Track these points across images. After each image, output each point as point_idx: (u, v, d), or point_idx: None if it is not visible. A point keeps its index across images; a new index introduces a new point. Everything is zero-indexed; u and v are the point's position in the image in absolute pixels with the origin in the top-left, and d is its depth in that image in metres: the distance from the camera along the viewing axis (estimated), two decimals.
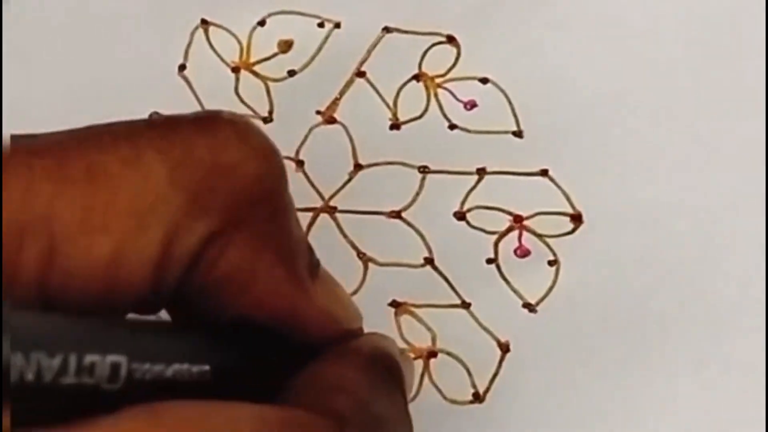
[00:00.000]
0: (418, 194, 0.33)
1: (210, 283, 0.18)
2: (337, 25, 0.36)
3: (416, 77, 0.35)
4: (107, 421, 0.15)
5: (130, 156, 0.17)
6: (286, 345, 0.20)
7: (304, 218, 0.33)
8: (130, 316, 0.19)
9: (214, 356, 0.18)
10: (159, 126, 0.18)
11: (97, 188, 0.17)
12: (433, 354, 0.31)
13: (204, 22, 0.35)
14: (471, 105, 0.34)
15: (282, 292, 0.19)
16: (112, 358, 0.16)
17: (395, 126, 0.34)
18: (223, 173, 0.18)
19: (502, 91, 0.35)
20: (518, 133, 0.34)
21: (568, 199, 0.33)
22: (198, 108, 0.34)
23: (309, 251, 0.21)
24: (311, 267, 0.20)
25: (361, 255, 0.32)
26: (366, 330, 0.31)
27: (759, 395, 0.31)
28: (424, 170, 0.33)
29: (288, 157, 0.34)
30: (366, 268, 0.32)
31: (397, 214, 0.33)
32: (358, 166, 0.34)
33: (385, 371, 0.21)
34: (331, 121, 0.34)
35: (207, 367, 0.18)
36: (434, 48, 0.35)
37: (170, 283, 0.18)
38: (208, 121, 0.18)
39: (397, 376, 0.21)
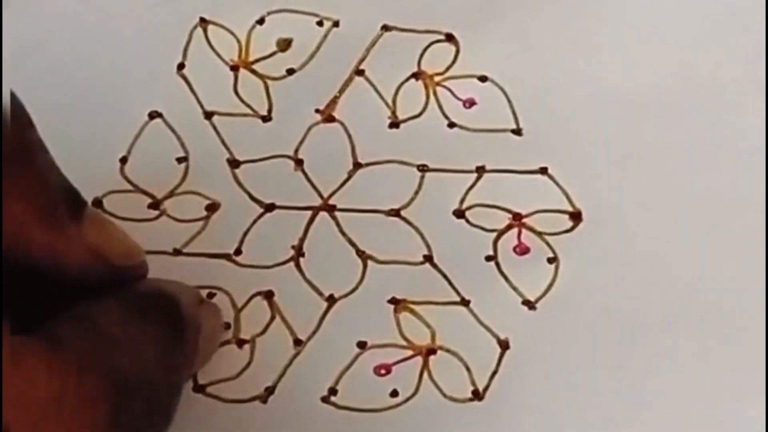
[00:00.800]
0: (417, 192, 0.33)
1: None
2: (336, 24, 0.36)
3: (415, 75, 0.35)
4: None
5: None
6: (57, 285, 0.20)
7: (303, 217, 0.33)
8: None
9: None
10: None
11: None
12: (432, 351, 0.31)
13: (203, 20, 0.36)
14: (470, 103, 0.34)
15: (36, 238, 0.19)
16: None
17: (394, 124, 0.34)
18: None
19: (501, 89, 0.35)
20: (517, 131, 0.34)
21: (567, 196, 0.33)
22: (198, 109, 0.34)
23: (70, 194, 0.21)
24: (74, 209, 0.20)
25: (360, 253, 0.32)
26: (366, 330, 0.31)
27: (759, 394, 0.31)
28: (423, 168, 0.33)
29: (287, 156, 0.34)
30: (365, 265, 0.32)
31: (396, 213, 0.33)
32: (357, 165, 0.34)
33: (159, 313, 0.21)
34: (330, 119, 0.34)
35: None
36: (433, 46, 0.35)
37: None
38: None
39: (177, 321, 0.21)
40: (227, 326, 0.31)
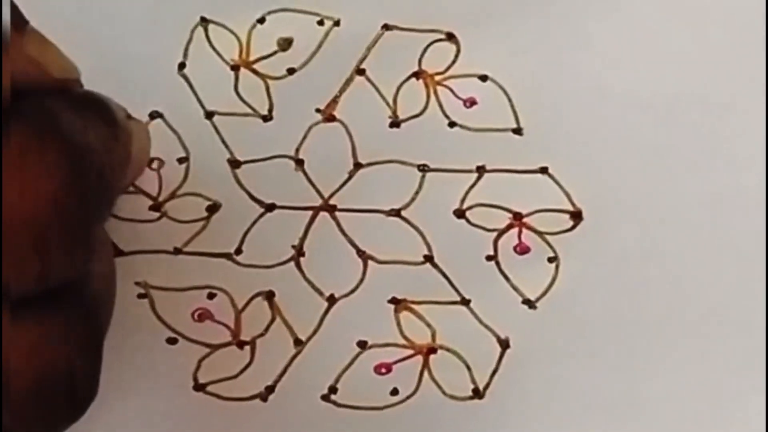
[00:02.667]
0: (417, 192, 0.33)
1: None
2: (337, 23, 0.36)
3: (416, 75, 0.35)
4: None
5: None
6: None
7: (303, 217, 0.33)
8: None
9: None
10: None
11: None
12: (432, 350, 0.31)
13: (203, 20, 0.36)
14: (471, 102, 0.35)
15: None
16: None
17: (395, 124, 0.34)
18: None
19: (502, 88, 0.35)
20: (518, 131, 0.34)
21: (567, 196, 0.33)
22: (199, 109, 0.34)
23: (14, 9, 0.21)
24: (17, 23, 0.21)
25: (360, 253, 0.32)
26: (367, 329, 0.32)
27: (759, 394, 0.31)
28: (423, 168, 0.33)
29: (287, 156, 0.34)
30: (365, 265, 0.32)
31: (396, 213, 0.33)
32: (357, 165, 0.34)
33: (96, 110, 0.22)
34: (331, 119, 0.34)
35: None
36: (434, 45, 0.35)
37: None
38: None
39: (111, 121, 0.22)
40: (227, 327, 0.32)
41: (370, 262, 0.32)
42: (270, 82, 0.35)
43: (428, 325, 0.32)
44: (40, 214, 0.18)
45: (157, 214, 0.33)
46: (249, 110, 0.34)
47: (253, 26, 0.35)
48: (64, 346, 0.19)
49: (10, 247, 0.18)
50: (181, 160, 0.34)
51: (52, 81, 0.22)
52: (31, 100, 0.20)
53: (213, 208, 0.33)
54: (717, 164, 0.34)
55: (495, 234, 0.33)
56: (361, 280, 0.32)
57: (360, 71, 0.35)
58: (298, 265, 0.32)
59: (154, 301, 0.32)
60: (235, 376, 0.31)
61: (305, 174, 0.34)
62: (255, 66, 0.35)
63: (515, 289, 0.32)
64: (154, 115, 0.34)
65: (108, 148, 0.21)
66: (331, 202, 0.33)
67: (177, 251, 0.33)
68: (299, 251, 0.33)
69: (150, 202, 0.33)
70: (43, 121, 0.19)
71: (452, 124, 0.34)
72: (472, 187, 0.33)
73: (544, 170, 0.33)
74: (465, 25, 0.35)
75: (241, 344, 0.31)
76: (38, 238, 0.18)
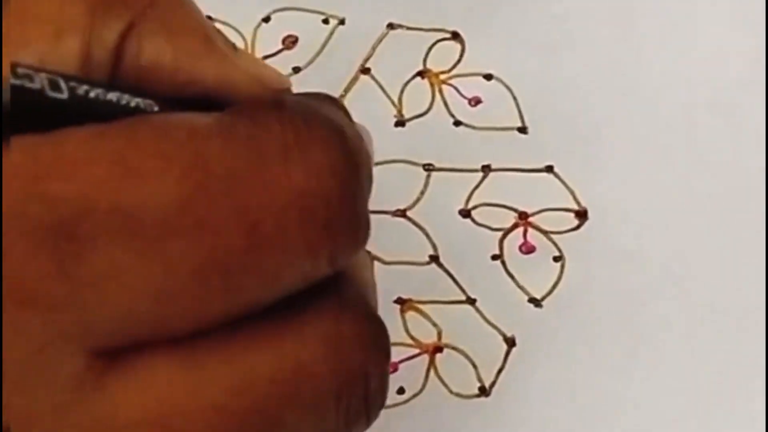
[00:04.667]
0: (423, 192, 0.33)
1: (138, 76, 0.20)
2: (342, 22, 0.36)
3: (421, 74, 0.35)
4: (83, 130, 0.16)
5: None
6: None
7: None
8: None
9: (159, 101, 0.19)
10: None
11: (8, 7, 0.18)
12: (438, 349, 0.32)
13: (209, 18, 0.35)
14: (476, 101, 0.35)
15: (207, 65, 0.20)
16: (46, 75, 0.16)
17: (400, 123, 0.34)
18: None
19: (507, 87, 0.35)
20: (523, 130, 0.34)
21: (573, 195, 0.33)
22: None
23: (221, 33, 0.22)
24: (228, 43, 0.21)
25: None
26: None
27: (759, 394, 0.31)
28: (429, 168, 0.34)
29: None
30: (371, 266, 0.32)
31: (402, 213, 0.33)
32: None
33: (327, 99, 0.21)
34: None
35: (151, 101, 0.18)
36: (439, 44, 0.35)
37: (101, 67, 0.19)
38: None
39: (341, 107, 0.22)
40: None
41: (375, 263, 0.32)
42: None
43: (434, 325, 0.32)
44: (326, 188, 0.17)
45: None
46: None
47: (258, 25, 0.36)
48: (360, 345, 0.18)
49: (303, 226, 0.17)
50: None
51: (273, 93, 0.22)
52: (283, 95, 0.20)
53: None
54: (721, 164, 0.34)
55: (500, 233, 0.33)
56: None
57: (365, 70, 0.35)
58: None
59: None
60: None
61: None
62: None
63: (521, 288, 0.32)
64: None
65: (355, 133, 0.19)
66: None
67: None
68: None
69: None
70: (304, 106, 0.18)
71: (457, 123, 0.34)
72: (477, 186, 0.33)
73: (549, 169, 0.34)
74: (470, 24, 0.35)
75: None
76: (328, 215, 0.17)
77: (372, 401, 0.19)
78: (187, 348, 0.17)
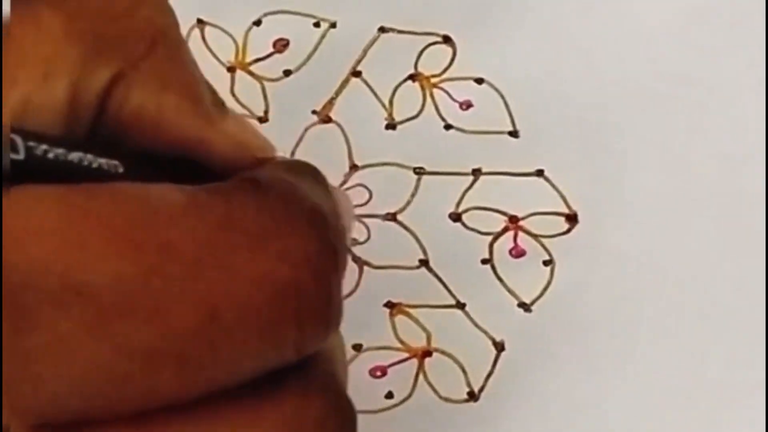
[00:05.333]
0: (413, 196, 0.33)
1: (120, 125, 0.19)
2: (333, 25, 0.36)
3: (412, 77, 0.35)
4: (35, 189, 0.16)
5: (26, 14, 0.18)
6: (205, 177, 0.20)
7: None
8: None
9: (127, 160, 0.19)
10: None
11: (6, 45, 0.18)
12: (428, 353, 0.31)
13: (200, 21, 0.35)
14: (466, 105, 0.35)
15: (190, 124, 0.20)
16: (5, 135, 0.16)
17: (391, 126, 0.34)
18: (115, 19, 0.19)
19: (498, 91, 0.35)
20: (514, 134, 0.34)
21: (563, 199, 0.33)
22: None
23: (212, 91, 0.21)
24: (217, 103, 0.21)
25: (356, 259, 0.32)
26: (362, 333, 0.32)
27: (759, 394, 0.31)
28: (419, 171, 0.34)
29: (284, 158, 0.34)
30: (361, 270, 0.32)
31: (392, 217, 0.33)
32: (354, 167, 0.34)
33: (307, 172, 0.21)
34: (327, 120, 0.34)
35: (116, 162, 0.18)
36: (430, 48, 0.35)
37: (81, 130, 0.19)
38: None
39: (322, 181, 0.21)
40: None
41: (365, 267, 0.32)
42: (266, 83, 0.35)
43: (423, 329, 0.32)
44: (298, 279, 0.17)
45: None
46: (245, 112, 0.34)
47: (250, 28, 0.35)
48: (323, 429, 0.18)
49: (269, 318, 0.17)
50: None
51: (254, 160, 0.21)
52: (261, 170, 0.19)
53: None
54: (714, 166, 0.34)
55: (491, 237, 0.33)
56: (357, 285, 0.32)
57: (356, 73, 0.35)
58: None
59: None
60: None
61: None
62: (251, 68, 0.35)
63: (511, 292, 0.32)
64: None
65: (334, 211, 0.19)
66: None
67: None
68: None
69: None
70: (285, 188, 0.18)
71: (448, 127, 0.34)
72: (467, 190, 0.33)
73: (539, 173, 0.34)
74: (461, 28, 0.35)
75: None
76: (298, 306, 0.17)
77: None
78: (136, 427, 0.16)
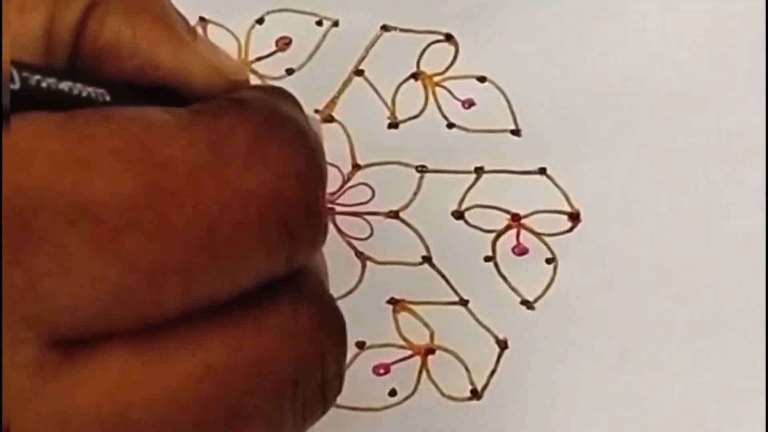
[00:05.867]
0: (416, 194, 0.33)
1: (97, 55, 0.20)
2: (335, 24, 0.36)
3: (414, 76, 0.35)
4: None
5: None
6: (184, 101, 0.20)
7: None
8: None
9: (111, 89, 0.19)
10: None
11: None
12: (431, 351, 0.31)
13: (202, 19, 0.36)
14: (469, 103, 0.35)
15: (165, 50, 0.20)
16: None
17: (393, 124, 0.34)
18: None
19: (500, 89, 0.35)
20: (516, 132, 0.34)
21: (566, 197, 0.33)
22: None
23: (183, 18, 0.21)
24: (189, 30, 0.21)
25: (359, 254, 0.32)
26: (365, 330, 0.32)
27: (759, 394, 0.31)
28: (422, 170, 0.34)
29: None
30: (364, 266, 0.32)
31: (395, 214, 0.33)
32: (356, 166, 0.34)
33: (288, 97, 0.21)
34: (329, 119, 0.34)
35: (103, 90, 0.18)
36: (432, 46, 0.35)
37: (60, 62, 0.19)
38: None
39: (300, 107, 0.22)
40: None
41: (368, 263, 0.32)
42: (269, 82, 0.35)
43: (426, 326, 0.32)
44: (288, 191, 0.18)
45: None
46: None
47: (252, 26, 0.36)
48: (316, 333, 0.19)
49: (263, 229, 0.18)
50: None
51: (229, 83, 0.22)
52: (243, 92, 0.20)
53: None
54: (715, 165, 0.34)
55: (493, 235, 0.33)
56: (360, 281, 0.32)
57: (358, 72, 0.35)
58: None
59: None
60: None
61: None
62: (254, 66, 0.35)
63: (513, 290, 0.32)
64: None
65: (315, 134, 0.20)
66: (330, 204, 0.33)
67: None
68: None
69: None
70: (269, 107, 0.19)
71: (451, 125, 0.34)
72: (470, 188, 0.33)
73: (542, 171, 0.34)
74: (463, 27, 0.35)
75: None
76: (289, 217, 0.18)
77: (329, 388, 0.20)
78: (144, 338, 0.17)
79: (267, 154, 0.18)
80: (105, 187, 0.16)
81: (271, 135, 0.18)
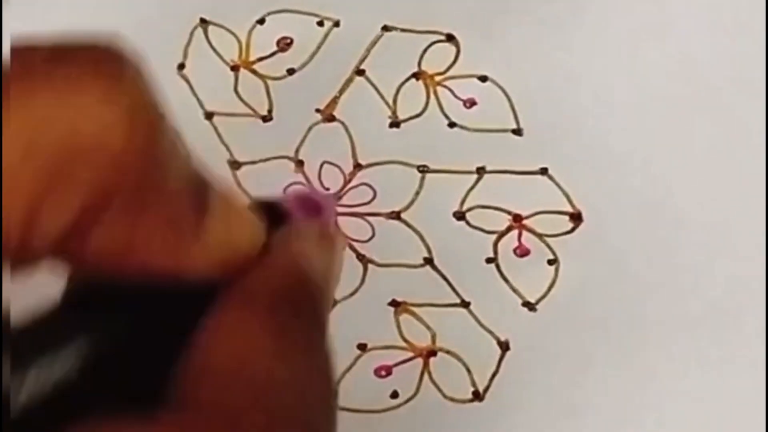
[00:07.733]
0: (417, 194, 0.33)
1: (86, 256, 0.17)
2: (337, 24, 0.36)
3: (416, 75, 0.35)
4: None
5: None
6: (185, 291, 0.18)
7: None
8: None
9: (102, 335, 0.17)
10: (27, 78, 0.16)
11: None
12: (432, 353, 0.31)
13: (203, 20, 0.35)
14: (470, 103, 0.34)
15: (166, 251, 0.18)
16: None
17: (395, 124, 0.34)
18: (83, 148, 0.16)
19: (502, 89, 0.35)
20: (518, 132, 0.34)
21: (567, 197, 0.33)
22: (198, 109, 0.34)
23: (195, 182, 0.18)
24: (198, 204, 0.18)
25: (360, 256, 0.32)
26: (367, 332, 0.31)
27: (759, 394, 0.31)
28: (423, 170, 0.33)
29: (287, 157, 0.34)
30: (365, 268, 0.32)
31: (396, 215, 0.33)
32: (357, 166, 0.34)
33: (294, 307, 0.19)
34: (331, 119, 0.34)
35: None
36: (433, 46, 0.35)
37: (38, 257, 0.17)
38: (73, 81, 0.16)
39: (311, 304, 0.19)
40: None
41: (369, 265, 0.32)
42: (270, 82, 0.35)
43: (428, 328, 0.32)
44: None
45: None
46: (249, 111, 0.34)
47: (253, 27, 0.35)
48: None
49: None
50: None
51: (243, 259, 0.19)
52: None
53: None
54: (716, 166, 0.34)
55: (495, 236, 0.33)
56: (361, 283, 0.32)
57: (360, 72, 0.35)
58: None
59: None
60: None
61: (305, 176, 0.33)
62: (255, 66, 0.35)
63: (515, 291, 0.32)
64: None
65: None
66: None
67: None
68: None
69: None
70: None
71: (452, 125, 0.34)
72: (472, 188, 0.33)
73: (544, 171, 0.33)
74: (465, 26, 0.35)
75: None
76: None
77: None
78: None
79: None
80: None
81: None
